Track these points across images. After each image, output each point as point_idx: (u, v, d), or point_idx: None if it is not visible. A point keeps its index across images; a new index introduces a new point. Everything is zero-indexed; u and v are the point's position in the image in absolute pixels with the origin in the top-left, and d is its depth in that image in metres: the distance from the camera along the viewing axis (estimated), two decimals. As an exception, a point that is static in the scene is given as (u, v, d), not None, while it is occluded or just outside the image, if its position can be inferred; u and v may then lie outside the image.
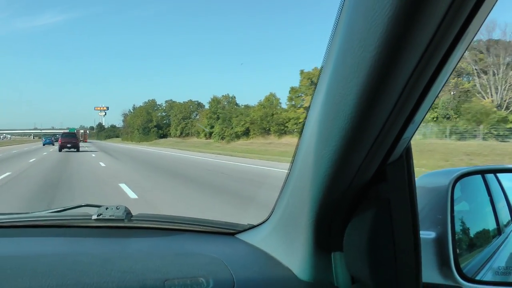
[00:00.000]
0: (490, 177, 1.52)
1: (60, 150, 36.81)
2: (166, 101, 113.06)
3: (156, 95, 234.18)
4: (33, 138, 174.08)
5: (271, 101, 67.16)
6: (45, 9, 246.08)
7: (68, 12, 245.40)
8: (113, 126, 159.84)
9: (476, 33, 0.69)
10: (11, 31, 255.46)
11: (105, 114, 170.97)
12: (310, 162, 0.89)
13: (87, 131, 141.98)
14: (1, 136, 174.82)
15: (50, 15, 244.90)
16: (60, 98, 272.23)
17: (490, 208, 1.47)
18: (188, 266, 1.07)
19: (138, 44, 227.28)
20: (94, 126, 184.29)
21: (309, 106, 0.91)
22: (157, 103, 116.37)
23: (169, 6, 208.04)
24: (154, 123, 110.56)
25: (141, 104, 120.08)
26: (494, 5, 0.64)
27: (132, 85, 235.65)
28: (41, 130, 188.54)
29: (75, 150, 37.60)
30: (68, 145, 37.57)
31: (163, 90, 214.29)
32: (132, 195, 9.74)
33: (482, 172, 1.50)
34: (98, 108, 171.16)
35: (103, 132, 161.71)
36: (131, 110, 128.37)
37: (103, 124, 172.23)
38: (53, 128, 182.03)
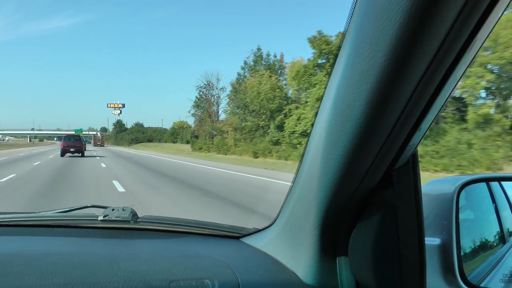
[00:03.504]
0: (494, 185, 1.53)
1: (62, 155, 31.79)
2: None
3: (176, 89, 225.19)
4: (30, 140, 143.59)
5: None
6: (54, 13, 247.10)
7: (76, 16, 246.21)
8: (139, 125, 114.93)
9: (484, 41, 0.70)
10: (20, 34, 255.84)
11: (121, 112, 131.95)
12: (317, 167, 0.90)
13: (99, 133, 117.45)
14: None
15: (59, 19, 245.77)
16: (67, 98, 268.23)
17: (495, 216, 1.47)
18: (193, 268, 1.07)
19: (152, 39, 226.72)
20: (108, 127, 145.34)
21: (317, 111, 0.92)
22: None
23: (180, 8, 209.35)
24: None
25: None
26: (502, 14, 0.65)
27: (149, 81, 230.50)
28: (44, 131, 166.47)
29: (80, 155, 32.61)
30: (71, 150, 32.34)
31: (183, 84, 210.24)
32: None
33: (487, 180, 1.50)
34: (112, 105, 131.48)
35: (124, 133, 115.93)
36: (246, 70, 47.82)
37: (124, 123, 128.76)
38: (58, 130, 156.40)
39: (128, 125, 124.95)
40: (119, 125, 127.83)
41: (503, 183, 1.57)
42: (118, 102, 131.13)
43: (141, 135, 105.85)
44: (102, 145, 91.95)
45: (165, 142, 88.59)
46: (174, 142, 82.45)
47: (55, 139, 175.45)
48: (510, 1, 0.64)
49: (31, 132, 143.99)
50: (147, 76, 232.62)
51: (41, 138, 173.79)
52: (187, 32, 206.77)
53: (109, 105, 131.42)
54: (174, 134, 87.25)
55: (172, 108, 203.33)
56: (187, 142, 66.71)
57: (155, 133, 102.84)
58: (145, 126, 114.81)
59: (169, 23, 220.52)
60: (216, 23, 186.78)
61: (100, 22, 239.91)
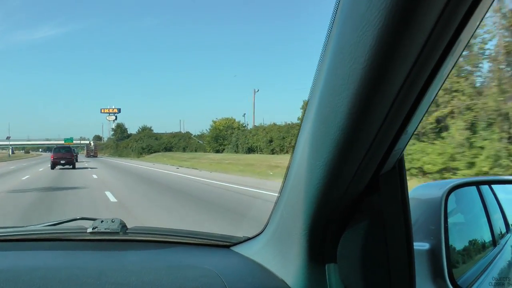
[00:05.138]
0: (485, 188, 1.53)
1: (52, 167, 30.24)
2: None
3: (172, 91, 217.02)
4: (12, 153, 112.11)
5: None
6: (42, 22, 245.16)
7: (65, 25, 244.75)
8: (147, 129, 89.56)
9: (468, 43, 0.70)
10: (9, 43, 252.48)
11: (116, 118, 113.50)
12: (303, 174, 0.89)
13: (91, 143, 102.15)
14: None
15: (47, 28, 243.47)
16: (56, 107, 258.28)
17: (485, 219, 1.48)
18: (182, 278, 1.06)
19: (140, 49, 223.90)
20: (102, 135, 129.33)
21: (302, 119, 0.92)
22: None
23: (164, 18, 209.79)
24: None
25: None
26: (484, 17, 0.65)
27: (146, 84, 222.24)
28: (32, 141, 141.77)
29: (71, 167, 31.02)
30: (62, 162, 30.83)
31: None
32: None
33: (477, 183, 1.51)
34: (106, 111, 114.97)
35: (129, 141, 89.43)
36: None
37: (126, 128, 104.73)
38: (47, 140, 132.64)
39: (130, 131, 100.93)
40: (120, 130, 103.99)
41: (493, 186, 1.57)
42: (113, 107, 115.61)
43: (154, 142, 77.73)
44: (95, 156, 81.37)
45: (195, 151, 60.89)
46: (217, 151, 52.45)
47: (40, 150, 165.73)
48: (491, 4, 0.64)
49: (8, 142, 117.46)
50: (147, 80, 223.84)
51: (27, 150, 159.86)
52: (182, 37, 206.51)
53: (102, 111, 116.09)
54: (219, 139, 54.99)
55: (185, 112, 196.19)
56: (250, 151, 44.20)
57: (175, 139, 74.03)
58: (156, 131, 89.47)
59: (160, 31, 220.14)
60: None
61: (89, 30, 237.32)
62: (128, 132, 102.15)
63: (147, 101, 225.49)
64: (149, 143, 77.53)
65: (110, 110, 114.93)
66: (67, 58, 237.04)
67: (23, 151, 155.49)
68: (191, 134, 72.79)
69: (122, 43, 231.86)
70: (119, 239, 1.36)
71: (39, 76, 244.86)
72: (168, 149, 71.30)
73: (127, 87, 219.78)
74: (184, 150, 66.08)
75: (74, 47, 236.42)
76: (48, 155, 32.21)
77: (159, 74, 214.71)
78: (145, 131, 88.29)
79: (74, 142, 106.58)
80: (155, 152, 71.28)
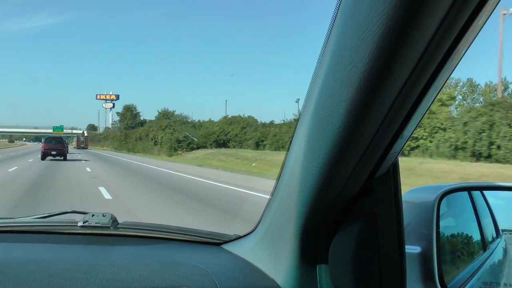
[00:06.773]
0: (476, 194, 1.54)
1: (43, 158, 29.33)
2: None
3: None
4: None
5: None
6: (36, 11, 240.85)
7: (60, 14, 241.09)
8: (169, 113, 63.61)
9: (466, 51, 0.70)
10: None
11: (114, 106, 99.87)
12: (298, 175, 0.89)
13: (85, 133, 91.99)
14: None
15: (41, 17, 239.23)
16: (49, 94, 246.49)
17: (476, 224, 1.49)
18: (172, 275, 1.06)
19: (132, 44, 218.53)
20: (98, 124, 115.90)
21: (298, 119, 0.92)
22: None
23: (163, 10, 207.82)
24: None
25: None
26: (484, 24, 0.65)
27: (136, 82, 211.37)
28: (21, 129, 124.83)
29: (62, 158, 30.05)
30: (53, 153, 29.70)
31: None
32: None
33: (468, 189, 1.52)
34: (102, 97, 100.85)
35: (145, 128, 63.56)
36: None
37: (138, 111, 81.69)
38: (35, 128, 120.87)
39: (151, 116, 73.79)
40: (130, 114, 77.60)
41: (485, 192, 1.59)
42: (111, 93, 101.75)
43: (194, 132, 49.14)
44: (85, 148, 73.89)
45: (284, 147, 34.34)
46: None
47: (24, 139, 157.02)
48: (492, 11, 0.64)
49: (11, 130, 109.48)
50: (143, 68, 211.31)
51: (12, 139, 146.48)
52: (179, 29, 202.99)
53: (98, 97, 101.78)
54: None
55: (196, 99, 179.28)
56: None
57: (233, 128, 46.44)
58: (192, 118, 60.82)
59: (156, 23, 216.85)
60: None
61: (85, 20, 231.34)
62: (141, 118, 77.14)
63: (152, 89, 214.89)
64: (188, 133, 48.70)
65: (108, 97, 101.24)
66: (65, 46, 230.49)
67: (6, 140, 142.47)
68: (257, 121, 47.82)
69: (120, 32, 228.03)
70: (110, 234, 1.35)
71: (31, 63, 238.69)
72: (221, 143, 45.55)
73: (126, 73, 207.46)
74: (257, 146, 42.26)
75: (67, 36, 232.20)
76: (34, 146, 30.59)
77: (166, 58, 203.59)
78: (174, 116, 59.21)
79: (65, 131, 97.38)
80: (198, 148, 45.77)
